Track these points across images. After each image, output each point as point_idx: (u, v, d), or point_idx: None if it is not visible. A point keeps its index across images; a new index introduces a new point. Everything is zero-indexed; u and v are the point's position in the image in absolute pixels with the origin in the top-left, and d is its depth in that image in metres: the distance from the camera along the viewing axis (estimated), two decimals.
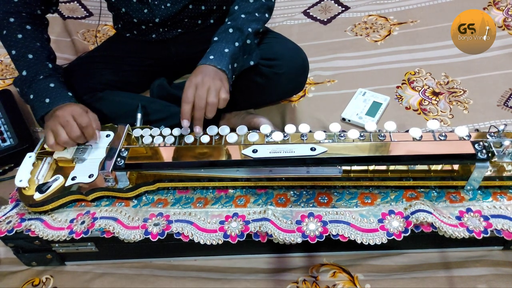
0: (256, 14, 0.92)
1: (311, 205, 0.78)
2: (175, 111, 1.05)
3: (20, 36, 0.90)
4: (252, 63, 0.94)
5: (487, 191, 0.77)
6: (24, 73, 0.88)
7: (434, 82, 1.20)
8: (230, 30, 0.88)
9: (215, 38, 0.88)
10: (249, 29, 0.90)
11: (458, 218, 0.73)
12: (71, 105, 0.85)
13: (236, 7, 0.92)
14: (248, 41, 0.90)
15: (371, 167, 0.80)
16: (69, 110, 0.83)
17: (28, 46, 0.89)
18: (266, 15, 0.96)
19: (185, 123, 0.81)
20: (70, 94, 0.88)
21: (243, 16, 0.90)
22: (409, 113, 1.13)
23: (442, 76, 1.22)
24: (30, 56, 0.89)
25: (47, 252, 0.83)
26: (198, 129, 0.81)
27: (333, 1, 1.56)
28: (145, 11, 1.01)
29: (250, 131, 0.83)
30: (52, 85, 0.87)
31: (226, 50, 0.86)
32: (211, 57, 0.85)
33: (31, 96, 0.87)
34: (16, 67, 0.90)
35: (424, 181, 0.78)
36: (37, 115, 0.87)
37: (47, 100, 0.85)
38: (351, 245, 0.73)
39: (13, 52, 0.90)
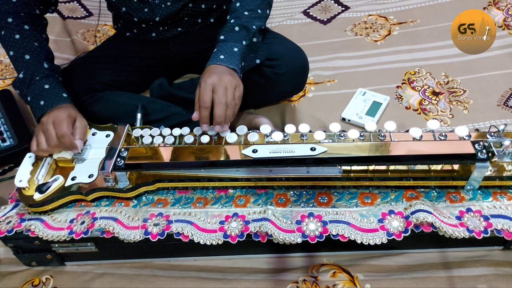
0: (259, 11, 0.91)
1: (311, 205, 0.78)
2: (175, 111, 1.05)
3: (17, 36, 0.90)
4: (258, 61, 0.94)
5: (487, 191, 0.77)
6: (21, 75, 0.88)
7: (434, 82, 1.20)
8: (236, 29, 0.87)
9: (222, 37, 0.88)
10: (254, 27, 0.89)
11: (458, 218, 0.73)
12: (59, 110, 0.83)
13: (237, 4, 0.91)
14: (255, 40, 0.90)
15: (371, 167, 0.80)
16: (52, 117, 0.81)
17: (26, 46, 0.89)
18: (267, 11, 0.95)
19: (205, 127, 0.80)
20: (65, 95, 0.88)
21: (246, 13, 0.89)
22: (409, 113, 1.13)
23: (442, 76, 1.22)
24: (27, 57, 0.89)
25: (47, 252, 0.83)
26: (222, 127, 0.79)
27: (333, 1, 1.56)
28: (146, 10, 1.01)
29: (250, 131, 0.83)
30: (46, 86, 0.87)
31: (236, 49, 0.85)
32: (222, 56, 0.84)
33: (29, 98, 0.88)
34: (14, 68, 0.90)
35: (424, 181, 0.78)
36: (35, 116, 0.87)
37: (42, 102, 0.85)
38: (351, 245, 0.73)
39: (11, 53, 0.90)
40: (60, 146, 0.81)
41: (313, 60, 1.28)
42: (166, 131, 0.86)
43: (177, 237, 0.76)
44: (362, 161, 0.76)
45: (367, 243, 0.71)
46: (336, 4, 1.55)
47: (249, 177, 0.81)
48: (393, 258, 0.82)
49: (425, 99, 1.16)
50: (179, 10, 1.02)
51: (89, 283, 0.83)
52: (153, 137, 0.85)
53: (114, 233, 0.76)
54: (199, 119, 0.81)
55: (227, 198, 0.81)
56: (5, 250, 0.90)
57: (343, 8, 1.53)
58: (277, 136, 0.80)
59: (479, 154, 0.72)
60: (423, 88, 1.19)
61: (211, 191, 0.82)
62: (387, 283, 0.78)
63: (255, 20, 0.90)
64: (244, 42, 0.87)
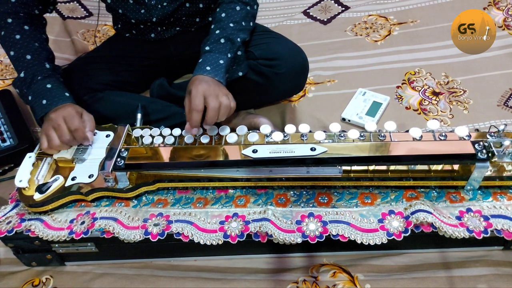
0: (243, 23, 0.93)
1: (311, 205, 0.78)
2: (175, 111, 1.06)
3: (18, 37, 0.90)
4: (240, 73, 0.95)
5: (487, 191, 0.77)
6: (22, 74, 0.88)
7: (434, 82, 1.20)
8: (222, 41, 0.89)
9: (207, 48, 0.89)
10: (239, 39, 0.91)
11: (458, 218, 0.73)
12: (66, 107, 0.84)
13: (223, 15, 0.92)
14: (239, 53, 0.91)
15: (371, 167, 0.80)
16: (62, 113, 0.82)
17: (27, 46, 0.89)
18: (251, 24, 0.97)
19: (195, 131, 0.81)
20: (67, 94, 0.88)
21: (231, 25, 0.91)
22: (409, 113, 1.13)
23: (442, 76, 1.22)
24: (29, 57, 0.89)
25: (47, 252, 0.83)
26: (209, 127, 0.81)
27: (333, 1, 1.56)
28: (142, 11, 1.01)
29: (250, 131, 0.83)
30: (49, 86, 0.87)
31: (221, 62, 0.86)
32: (208, 68, 0.85)
33: (30, 98, 0.88)
34: (15, 68, 0.90)
35: (424, 181, 0.78)
36: (36, 116, 0.87)
37: (44, 102, 0.85)
38: (351, 245, 0.73)
39: (12, 53, 0.90)
40: (73, 141, 0.83)
41: (313, 60, 1.28)
42: (166, 131, 0.86)
43: (177, 237, 0.76)
44: (362, 161, 0.76)
45: (367, 243, 0.71)
46: (336, 4, 1.55)
47: (249, 177, 0.81)
48: (393, 258, 0.82)
49: (425, 99, 1.16)
50: (175, 10, 1.02)
51: (89, 283, 0.83)
52: (153, 137, 0.85)
53: (114, 233, 0.76)
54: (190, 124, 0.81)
55: (227, 198, 0.81)
56: (5, 250, 0.90)
57: (343, 8, 1.53)
58: (277, 136, 0.80)
59: (479, 154, 0.72)
60: (423, 88, 1.19)
61: (211, 191, 0.82)
62: (387, 283, 0.78)
63: (240, 33, 0.91)
64: (229, 55, 0.88)
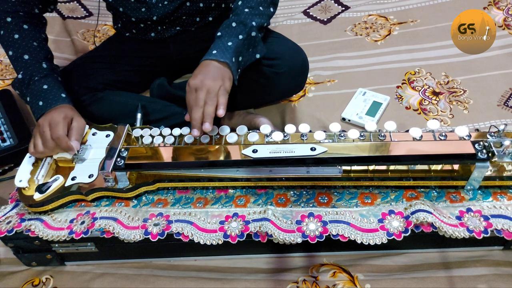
0: (260, 8, 0.90)
1: (311, 205, 0.78)
2: (175, 111, 1.06)
3: (17, 36, 0.89)
4: (258, 56, 0.92)
5: (487, 191, 0.77)
6: (20, 75, 0.88)
7: (434, 82, 1.20)
8: (233, 24, 0.86)
9: (219, 34, 0.87)
10: (253, 23, 0.88)
11: (458, 218, 0.73)
12: (55, 111, 0.83)
13: (239, 2, 0.90)
14: (253, 34, 0.88)
15: (371, 167, 0.80)
16: (48, 119, 0.81)
17: (25, 46, 0.89)
18: (271, 9, 0.94)
19: (195, 132, 0.78)
20: (63, 95, 0.87)
21: (246, 10, 0.88)
22: (409, 113, 1.13)
23: (442, 76, 1.22)
24: (26, 57, 0.88)
25: (47, 252, 0.83)
26: (196, 131, 0.77)
27: (333, 1, 1.56)
28: (143, 9, 1.01)
29: (250, 131, 0.83)
30: (45, 86, 0.86)
31: (230, 44, 0.84)
32: (214, 51, 0.83)
33: (28, 99, 0.87)
34: (13, 68, 0.90)
35: (424, 181, 0.78)
36: (35, 117, 0.87)
37: (40, 103, 0.85)
38: (351, 245, 0.73)
39: (10, 52, 0.90)
40: (57, 148, 0.81)
41: (313, 60, 1.28)
42: (166, 131, 0.86)
43: (177, 237, 0.76)
44: (362, 161, 0.76)
45: (367, 243, 0.71)
46: (336, 4, 1.55)
47: (249, 177, 0.81)
48: (393, 258, 0.82)
49: (425, 99, 1.16)
50: (176, 9, 1.02)
51: (89, 283, 0.83)
52: (153, 137, 0.85)
53: (114, 233, 0.76)
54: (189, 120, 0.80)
55: (227, 198, 0.81)
56: (5, 250, 0.90)
57: (343, 8, 1.53)
58: (277, 136, 0.80)
59: (479, 154, 0.72)
60: (423, 88, 1.19)
61: (211, 191, 0.82)
62: (387, 283, 0.78)
63: (255, 17, 0.89)
64: (240, 36, 0.85)
